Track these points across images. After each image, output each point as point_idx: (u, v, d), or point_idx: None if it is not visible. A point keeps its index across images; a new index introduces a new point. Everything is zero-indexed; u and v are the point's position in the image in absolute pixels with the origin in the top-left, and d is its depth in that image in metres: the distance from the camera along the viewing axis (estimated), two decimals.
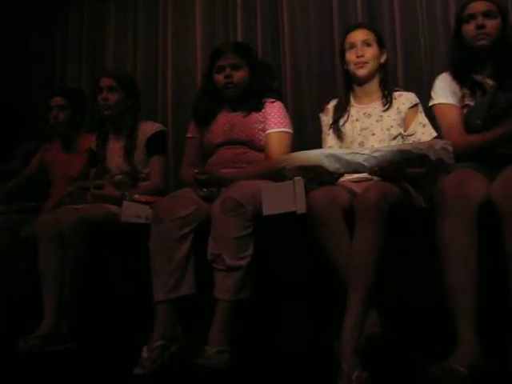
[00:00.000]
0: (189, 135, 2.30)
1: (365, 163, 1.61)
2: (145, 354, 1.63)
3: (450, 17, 2.51)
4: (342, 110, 2.06)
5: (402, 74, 2.60)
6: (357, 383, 1.32)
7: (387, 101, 2.01)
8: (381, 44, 2.06)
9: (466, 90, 1.86)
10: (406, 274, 1.66)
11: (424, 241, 1.53)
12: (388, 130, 1.97)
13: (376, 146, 1.94)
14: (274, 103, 2.17)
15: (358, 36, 2.03)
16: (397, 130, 1.97)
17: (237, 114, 2.17)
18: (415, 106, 1.99)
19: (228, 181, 1.93)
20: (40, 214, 2.27)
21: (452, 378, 1.24)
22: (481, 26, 1.81)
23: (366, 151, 1.63)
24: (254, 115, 2.14)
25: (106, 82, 2.41)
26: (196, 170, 1.97)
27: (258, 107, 2.14)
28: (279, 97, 2.25)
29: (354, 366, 1.35)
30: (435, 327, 1.50)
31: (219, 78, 2.13)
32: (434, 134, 1.92)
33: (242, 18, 3.06)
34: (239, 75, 2.13)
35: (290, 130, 2.16)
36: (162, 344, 1.65)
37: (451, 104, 1.87)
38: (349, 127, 2.03)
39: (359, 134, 2.00)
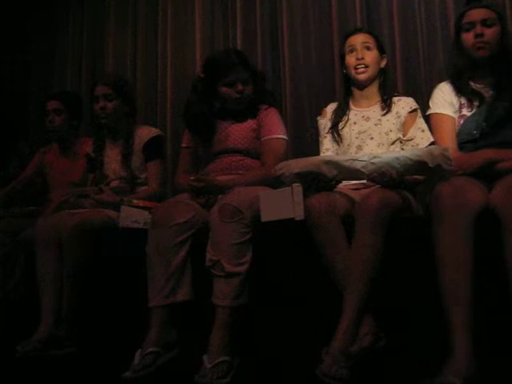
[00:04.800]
0: (183, 145, 2.29)
1: (363, 170, 1.61)
2: (136, 359, 1.62)
3: (448, 25, 2.52)
4: (340, 115, 2.06)
5: (401, 82, 2.60)
6: (334, 376, 1.34)
7: (386, 105, 2.00)
8: (381, 49, 2.06)
9: (463, 101, 1.86)
10: (403, 282, 1.66)
11: (422, 248, 1.52)
12: (387, 134, 1.97)
13: (374, 150, 1.95)
14: (268, 110, 2.16)
15: (358, 39, 2.02)
16: (396, 134, 1.97)
17: (232, 122, 2.16)
18: (414, 110, 1.99)
19: (225, 188, 1.93)
20: (38, 219, 2.26)
21: None
22: (479, 35, 1.81)
23: (365, 158, 1.62)
24: (249, 122, 2.14)
25: (102, 90, 2.39)
26: (192, 178, 1.96)
27: (254, 114, 2.15)
28: (274, 102, 2.23)
29: (336, 362, 1.37)
30: (432, 336, 1.49)
31: (229, 91, 2.09)
32: (432, 139, 1.91)
33: (241, 23, 3.06)
34: (249, 89, 2.12)
35: (285, 137, 2.15)
36: (155, 351, 1.64)
37: (448, 115, 1.88)
38: (346, 130, 2.03)
39: (357, 138, 2.00)
